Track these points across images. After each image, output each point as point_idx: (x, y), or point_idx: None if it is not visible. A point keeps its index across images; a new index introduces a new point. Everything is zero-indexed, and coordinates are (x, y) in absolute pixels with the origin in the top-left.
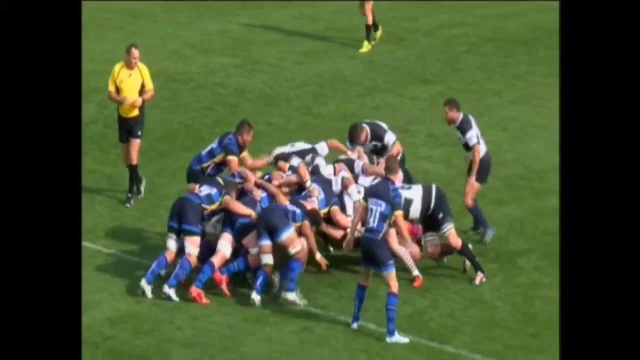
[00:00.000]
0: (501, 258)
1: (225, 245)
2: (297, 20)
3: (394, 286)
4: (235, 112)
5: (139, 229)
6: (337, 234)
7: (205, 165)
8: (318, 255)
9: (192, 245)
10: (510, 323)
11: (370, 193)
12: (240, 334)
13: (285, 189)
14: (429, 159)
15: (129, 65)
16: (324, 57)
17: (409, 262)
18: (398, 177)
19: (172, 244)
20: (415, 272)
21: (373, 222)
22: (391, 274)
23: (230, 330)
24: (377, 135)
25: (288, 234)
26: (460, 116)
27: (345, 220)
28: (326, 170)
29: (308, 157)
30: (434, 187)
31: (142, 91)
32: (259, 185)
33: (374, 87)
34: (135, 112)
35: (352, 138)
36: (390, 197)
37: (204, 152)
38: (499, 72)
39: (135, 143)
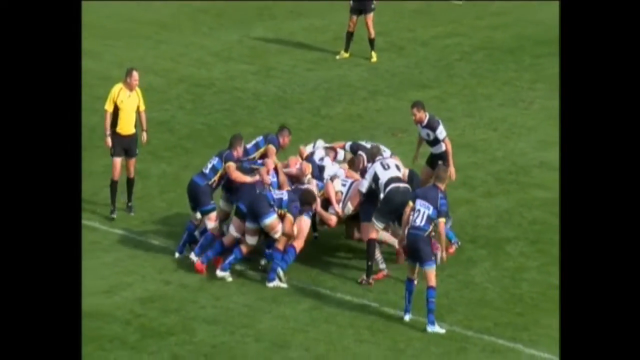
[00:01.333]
0: (491, 244)
1: (251, 239)
2: (308, 32)
3: (433, 280)
4: (252, 113)
5: (166, 217)
6: (332, 221)
7: (211, 182)
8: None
9: (211, 222)
10: (498, 303)
11: (420, 195)
12: (257, 312)
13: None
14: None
15: (129, 87)
16: (331, 64)
17: (376, 256)
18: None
19: (196, 216)
20: (382, 266)
21: (420, 221)
22: (431, 269)
23: (249, 309)
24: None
25: (269, 220)
26: (427, 115)
27: (333, 193)
28: (329, 171)
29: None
30: (392, 185)
31: (137, 110)
32: (274, 168)
33: (376, 91)
34: (133, 130)
35: (354, 167)
36: (438, 204)
37: (206, 170)
38: (488, 78)
39: (134, 160)
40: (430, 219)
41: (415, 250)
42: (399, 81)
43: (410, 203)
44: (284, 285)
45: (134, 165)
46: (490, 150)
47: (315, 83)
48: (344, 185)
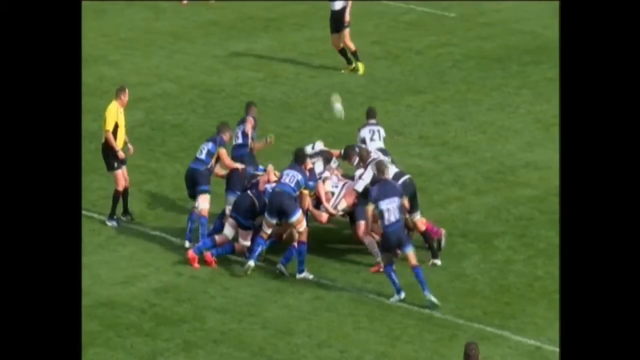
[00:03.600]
0: (480, 239)
1: (230, 230)
2: (310, 42)
3: (414, 259)
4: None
5: (180, 214)
6: (322, 218)
7: (209, 166)
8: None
9: (204, 202)
10: (487, 293)
11: (379, 197)
12: (263, 302)
13: None
14: (420, 156)
15: (122, 104)
16: (332, 72)
17: (374, 250)
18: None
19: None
20: (378, 259)
21: (393, 217)
22: (412, 251)
23: (256, 298)
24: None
25: (296, 217)
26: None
27: (323, 192)
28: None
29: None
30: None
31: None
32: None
33: (374, 97)
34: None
35: (349, 159)
36: (399, 191)
37: (202, 156)
38: (478, 84)
39: (125, 168)
40: (400, 208)
41: (399, 242)
42: (395, 87)
43: (371, 208)
44: (311, 276)
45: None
46: (480, 151)
47: (317, 89)
48: (335, 187)
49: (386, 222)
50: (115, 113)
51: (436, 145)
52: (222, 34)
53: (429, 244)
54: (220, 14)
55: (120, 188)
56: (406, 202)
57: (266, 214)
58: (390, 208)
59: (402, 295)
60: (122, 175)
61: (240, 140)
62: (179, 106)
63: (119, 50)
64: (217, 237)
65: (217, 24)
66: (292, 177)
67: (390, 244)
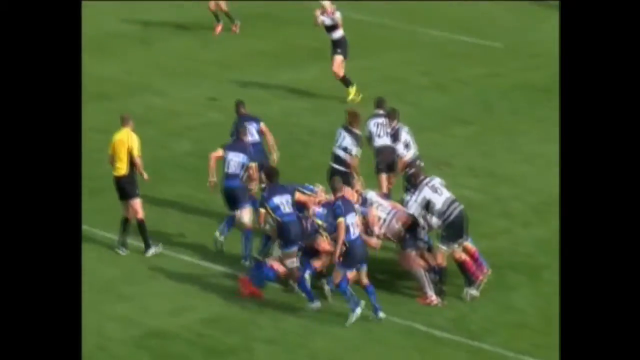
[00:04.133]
0: (529, 271)
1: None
2: (358, 71)
3: (366, 278)
4: (307, 147)
5: (228, 243)
6: (372, 242)
7: (243, 179)
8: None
9: (245, 214)
10: (537, 326)
11: (345, 212)
12: (313, 333)
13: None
14: (467, 187)
15: (134, 132)
16: None
17: (423, 282)
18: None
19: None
20: (427, 291)
21: (357, 231)
22: (365, 269)
23: (305, 329)
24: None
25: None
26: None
27: (373, 216)
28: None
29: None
30: (454, 209)
31: None
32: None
33: (422, 127)
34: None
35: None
36: (355, 208)
37: (236, 170)
38: (526, 115)
39: None
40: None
41: (363, 256)
42: (442, 117)
43: (341, 221)
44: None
45: None
46: (528, 183)
47: (364, 118)
48: (386, 213)
49: (352, 236)
50: (137, 139)
51: (484, 177)
52: (268, 64)
53: (464, 273)
54: (266, 43)
55: (142, 215)
56: (359, 220)
57: (284, 247)
58: (354, 222)
59: (360, 309)
60: (140, 202)
61: (257, 138)
62: (227, 136)
63: (166, 79)
64: (269, 262)
65: (263, 54)
66: (289, 202)
67: (355, 258)
